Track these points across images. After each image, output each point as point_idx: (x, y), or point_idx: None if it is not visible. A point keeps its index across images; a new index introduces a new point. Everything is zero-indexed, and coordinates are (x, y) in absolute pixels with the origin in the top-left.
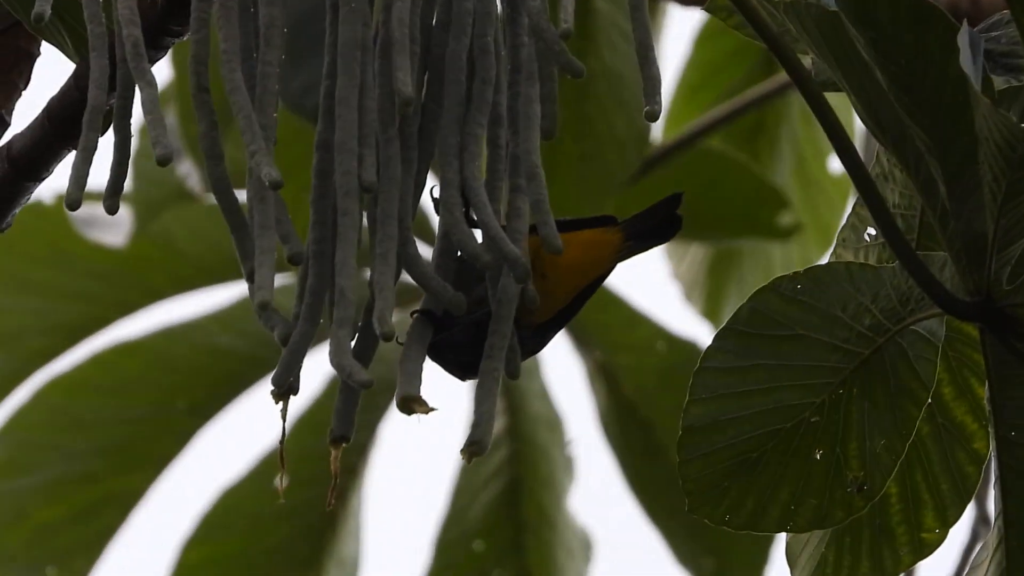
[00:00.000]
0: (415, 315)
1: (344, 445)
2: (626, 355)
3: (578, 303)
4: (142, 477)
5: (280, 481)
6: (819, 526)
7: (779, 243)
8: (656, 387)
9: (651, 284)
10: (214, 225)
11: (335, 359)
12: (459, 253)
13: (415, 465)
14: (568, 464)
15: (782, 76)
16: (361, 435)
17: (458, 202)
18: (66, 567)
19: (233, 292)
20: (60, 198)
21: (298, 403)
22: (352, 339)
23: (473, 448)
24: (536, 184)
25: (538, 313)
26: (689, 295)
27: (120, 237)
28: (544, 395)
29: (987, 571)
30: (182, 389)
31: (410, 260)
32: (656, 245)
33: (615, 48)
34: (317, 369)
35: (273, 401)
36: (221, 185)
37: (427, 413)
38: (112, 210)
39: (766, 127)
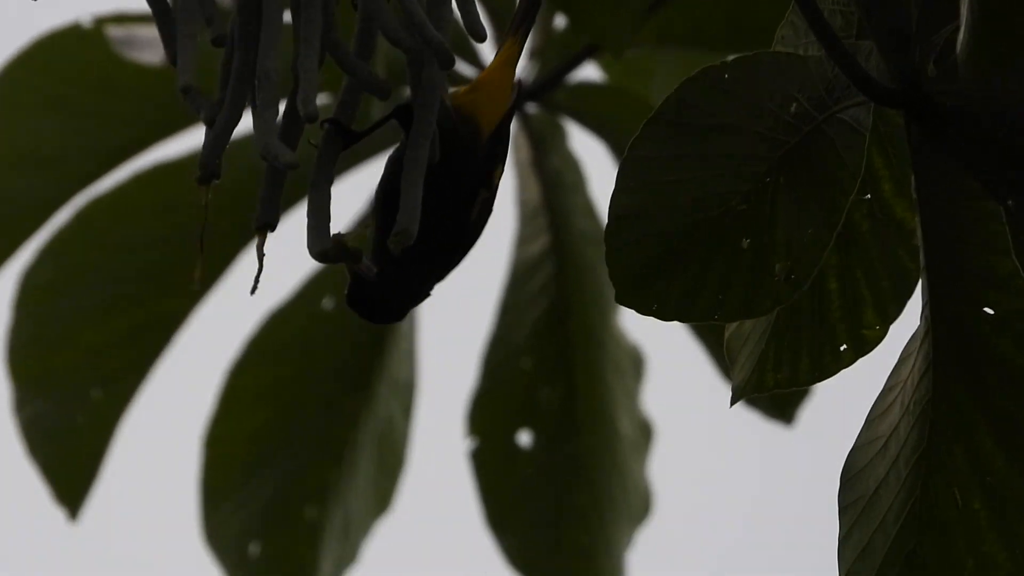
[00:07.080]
0: (326, 124)
1: (269, 232)
2: None
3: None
4: (187, 300)
5: (199, 271)
6: (746, 315)
7: None
8: None
9: None
10: None
11: (260, 140)
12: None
13: (461, 286)
14: None
15: None
16: None
17: None
18: (111, 390)
19: None
20: (99, 21)
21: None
22: (276, 121)
23: (399, 236)
24: None
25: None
26: None
27: (157, 56)
28: (589, 211)
29: (915, 361)
30: (226, 210)
31: (333, 44)
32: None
33: None
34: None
35: (197, 184)
36: None
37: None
38: None
39: None
